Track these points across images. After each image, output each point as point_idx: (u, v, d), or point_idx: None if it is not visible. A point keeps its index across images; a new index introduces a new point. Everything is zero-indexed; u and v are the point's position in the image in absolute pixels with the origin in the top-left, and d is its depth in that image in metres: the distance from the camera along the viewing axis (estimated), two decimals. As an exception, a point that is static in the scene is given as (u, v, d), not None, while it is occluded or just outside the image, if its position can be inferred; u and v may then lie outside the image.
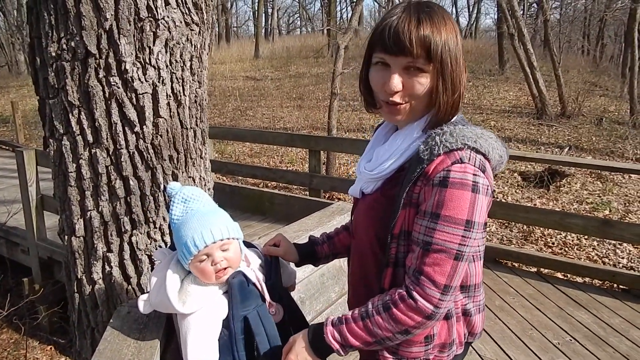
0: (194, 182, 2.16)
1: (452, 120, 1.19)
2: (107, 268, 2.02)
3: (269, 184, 7.87)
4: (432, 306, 1.09)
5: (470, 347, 1.36)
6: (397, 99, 1.17)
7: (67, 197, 1.97)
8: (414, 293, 1.10)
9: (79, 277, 2.06)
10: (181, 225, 1.31)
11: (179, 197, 1.35)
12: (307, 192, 6.26)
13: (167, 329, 1.38)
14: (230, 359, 1.32)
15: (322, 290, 2.14)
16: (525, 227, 6.15)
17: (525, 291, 3.97)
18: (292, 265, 1.62)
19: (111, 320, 1.40)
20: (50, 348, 4.74)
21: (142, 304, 1.33)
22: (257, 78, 19.97)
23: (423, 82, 1.14)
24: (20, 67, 27.09)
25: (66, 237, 2.04)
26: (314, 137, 6.19)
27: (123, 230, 1.98)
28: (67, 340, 4.63)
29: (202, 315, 1.28)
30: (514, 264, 4.52)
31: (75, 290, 2.10)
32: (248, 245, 1.50)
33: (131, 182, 1.95)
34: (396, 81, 1.14)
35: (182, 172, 2.07)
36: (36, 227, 5.05)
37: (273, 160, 10.14)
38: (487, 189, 1.11)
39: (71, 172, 1.93)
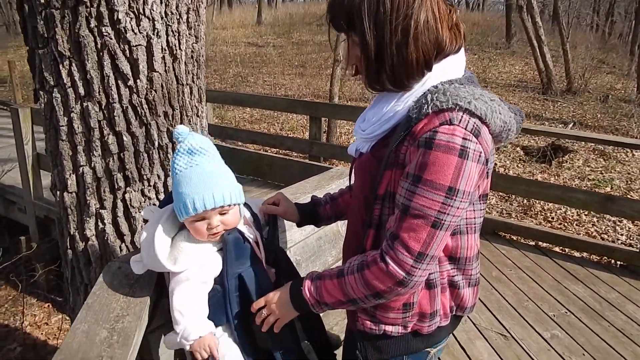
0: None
1: (455, 78, 1.11)
2: (100, 225, 1.98)
3: (269, 151, 7.81)
4: (404, 272, 1.04)
5: (460, 320, 1.33)
6: (348, 69, 1.18)
7: (58, 151, 1.91)
8: (387, 257, 1.05)
9: (71, 233, 2.02)
10: (182, 180, 1.24)
11: (185, 147, 1.26)
12: (307, 160, 6.21)
13: (158, 286, 1.35)
14: (222, 315, 1.29)
15: (319, 254, 2.11)
16: (525, 201, 6.13)
17: (523, 263, 3.96)
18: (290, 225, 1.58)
19: (101, 275, 1.36)
20: (48, 305, 4.77)
21: (135, 265, 1.29)
22: (259, 44, 19.62)
23: (356, 51, 1.11)
24: (18, 27, 26.55)
25: (58, 192, 2.00)
26: (315, 104, 6.12)
27: (116, 187, 1.93)
28: (63, 298, 4.66)
29: (194, 273, 1.24)
30: (512, 237, 4.50)
31: (68, 247, 2.07)
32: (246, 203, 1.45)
33: (124, 138, 1.89)
34: (342, 52, 1.10)
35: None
36: (32, 185, 5.01)
37: (273, 127, 10.04)
38: (480, 156, 1.01)
39: (62, 125, 1.86)
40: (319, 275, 1.18)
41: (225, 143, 6.58)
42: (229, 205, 1.26)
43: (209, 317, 1.27)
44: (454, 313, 1.24)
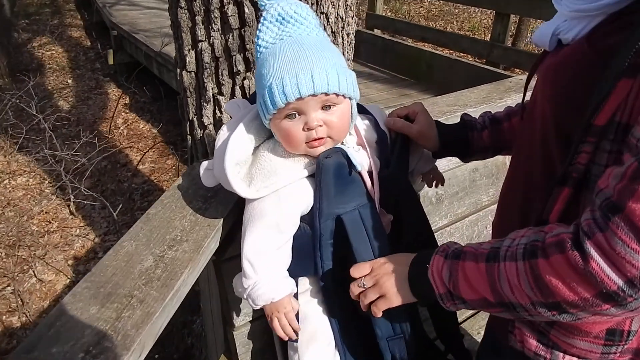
0: (327, 20, 1.65)
1: None
2: (218, 113, 1.73)
3: (441, 51, 6.93)
4: (623, 279, 0.55)
5: None
6: None
7: (178, 21, 1.64)
8: (590, 244, 0.57)
9: (190, 118, 1.82)
10: (268, 58, 0.86)
11: (273, 14, 0.88)
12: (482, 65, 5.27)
13: (239, 204, 1.01)
14: (310, 264, 0.94)
15: (471, 190, 1.60)
16: None
17: None
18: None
19: (180, 178, 1.09)
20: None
21: (205, 173, 0.97)
22: None
23: None
24: None
25: (178, 70, 1.77)
26: None
27: (235, 70, 1.62)
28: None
29: (273, 203, 0.88)
30: None
31: (188, 133, 1.89)
32: (363, 110, 1.00)
33: (246, 10, 1.52)
34: None
35: (312, 4, 1.58)
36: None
37: (451, 25, 8.92)
38: None
39: (181, -11, 1.57)
40: (458, 250, 0.74)
41: (380, 33, 5.86)
42: (337, 96, 0.85)
43: (291, 265, 0.93)
44: None
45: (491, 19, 8.28)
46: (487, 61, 4.99)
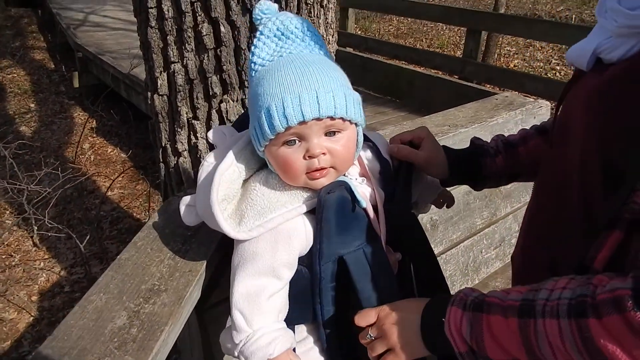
0: (308, 38, 1.57)
1: None
2: (193, 139, 1.62)
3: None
4: None
5: None
6: None
7: (148, 42, 1.53)
8: None
9: (163, 144, 1.70)
10: (266, 76, 0.77)
11: (271, 29, 0.79)
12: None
13: (224, 243, 0.90)
14: (307, 310, 0.83)
15: (465, 214, 1.52)
16: None
17: None
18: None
19: (155, 214, 0.97)
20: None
21: (186, 209, 0.85)
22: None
23: None
24: None
25: (149, 94, 1.65)
26: (477, 13, 5.00)
27: (211, 93, 1.52)
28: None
29: (268, 245, 0.77)
30: None
31: (161, 160, 1.76)
32: (364, 137, 0.91)
33: (222, 29, 1.43)
34: None
35: (292, 22, 1.49)
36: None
37: (421, 43, 9.04)
38: None
39: (151, 7, 1.46)
40: (480, 301, 0.63)
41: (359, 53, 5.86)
42: (343, 121, 0.75)
43: (288, 313, 0.82)
44: None
45: (459, 36, 8.44)
46: (461, 77, 5.04)
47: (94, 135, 5.47)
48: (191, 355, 1.06)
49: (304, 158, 0.75)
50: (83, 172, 4.65)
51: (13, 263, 3.69)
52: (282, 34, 0.78)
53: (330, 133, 0.76)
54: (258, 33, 0.80)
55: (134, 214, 4.20)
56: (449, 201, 1.12)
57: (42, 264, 3.68)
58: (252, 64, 0.81)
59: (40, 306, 3.34)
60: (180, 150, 1.64)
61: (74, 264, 3.65)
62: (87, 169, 4.80)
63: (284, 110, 0.71)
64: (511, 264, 0.87)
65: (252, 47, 0.80)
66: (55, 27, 7.72)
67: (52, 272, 3.59)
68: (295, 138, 0.75)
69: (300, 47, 0.78)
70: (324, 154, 0.75)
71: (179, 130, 1.60)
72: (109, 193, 4.44)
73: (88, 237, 3.67)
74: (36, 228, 3.76)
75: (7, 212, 4.21)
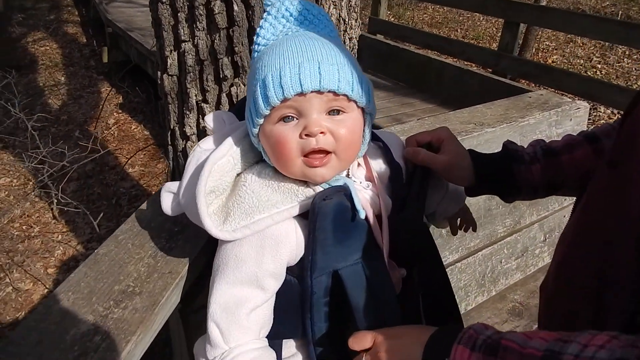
0: (328, 22, 1.46)
1: None
2: (202, 123, 1.54)
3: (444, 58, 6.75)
4: None
5: None
6: None
7: (159, 18, 1.46)
8: None
9: (171, 127, 1.63)
10: (267, 52, 0.69)
11: (279, 9, 0.72)
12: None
13: (214, 241, 0.82)
14: (297, 326, 0.74)
15: (486, 220, 1.41)
16: None
17: None
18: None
19: (140, 208, 0.90)
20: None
21: (166, 197, 0.77)
22: None
23: None
24: None
25: (159, 73, 1.58)
26: (514, 3, 4.71)
27: (222, 75, 1.44)
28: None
29: (253, 250, 0.69)
30: None
31: (169, 142, 1.70)
32: (373, 137, 0.80)
33: (235, 7, 1.34)
34: None
35: (311, 3, 1.39)
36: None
37: (455, 33, 8.75)
38: None
39: (163, -19, 1.38)
40: (495, 342, 0.54)
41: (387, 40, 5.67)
42: (348, 100, 0.66)
43: (274, 325, 0.73)
44: None
45: (496, 28, 8.12)
46: (494, 71, 4.82)
47: (119, 111, 5.49)
48: (181, 356, 1.00)
49: (300, 137, 0.66)
50: (106, 146, 4.67)
51: (32, 234, 3.74)
52: (291, 15, 0.71)
53: (333, 112, 0.66)
54: (265, 14, 0.73)
55: (152, 192, 4.20)
56: (472, 224, 1.02)
57: (60, 237, 3.71)
58: (256, 45, 0.73)
59: (55, 279, 3.37)
60: (188, 134, 1.57)
61: (91, 239, 3.67)
62: (110, 145, 4.82)
63: (281, 80, 0.63)
64: (539, 294, 0.76)
65: (258, 29, 0.73)
66: (89, 1, 7.77)
67: (69, 246, 3.61)
68: (292, 114, 0.66)
69: (308, 28, 0.71)
70: (323, 133, 0.65)
71: (188, 112, 1.53)
72: (130, 170, 4.45)
73: (102, 214, 3.68)
74: (56, 200, 3.79)
75: (31, 182, 4.26)
